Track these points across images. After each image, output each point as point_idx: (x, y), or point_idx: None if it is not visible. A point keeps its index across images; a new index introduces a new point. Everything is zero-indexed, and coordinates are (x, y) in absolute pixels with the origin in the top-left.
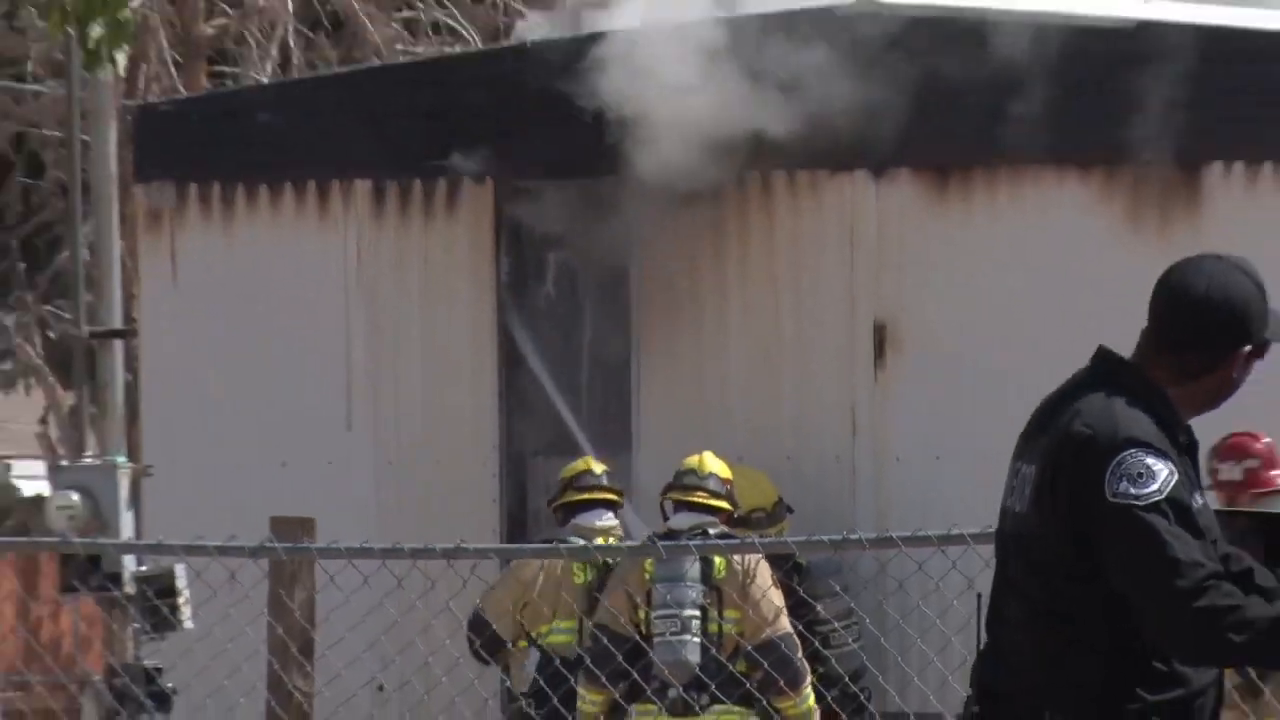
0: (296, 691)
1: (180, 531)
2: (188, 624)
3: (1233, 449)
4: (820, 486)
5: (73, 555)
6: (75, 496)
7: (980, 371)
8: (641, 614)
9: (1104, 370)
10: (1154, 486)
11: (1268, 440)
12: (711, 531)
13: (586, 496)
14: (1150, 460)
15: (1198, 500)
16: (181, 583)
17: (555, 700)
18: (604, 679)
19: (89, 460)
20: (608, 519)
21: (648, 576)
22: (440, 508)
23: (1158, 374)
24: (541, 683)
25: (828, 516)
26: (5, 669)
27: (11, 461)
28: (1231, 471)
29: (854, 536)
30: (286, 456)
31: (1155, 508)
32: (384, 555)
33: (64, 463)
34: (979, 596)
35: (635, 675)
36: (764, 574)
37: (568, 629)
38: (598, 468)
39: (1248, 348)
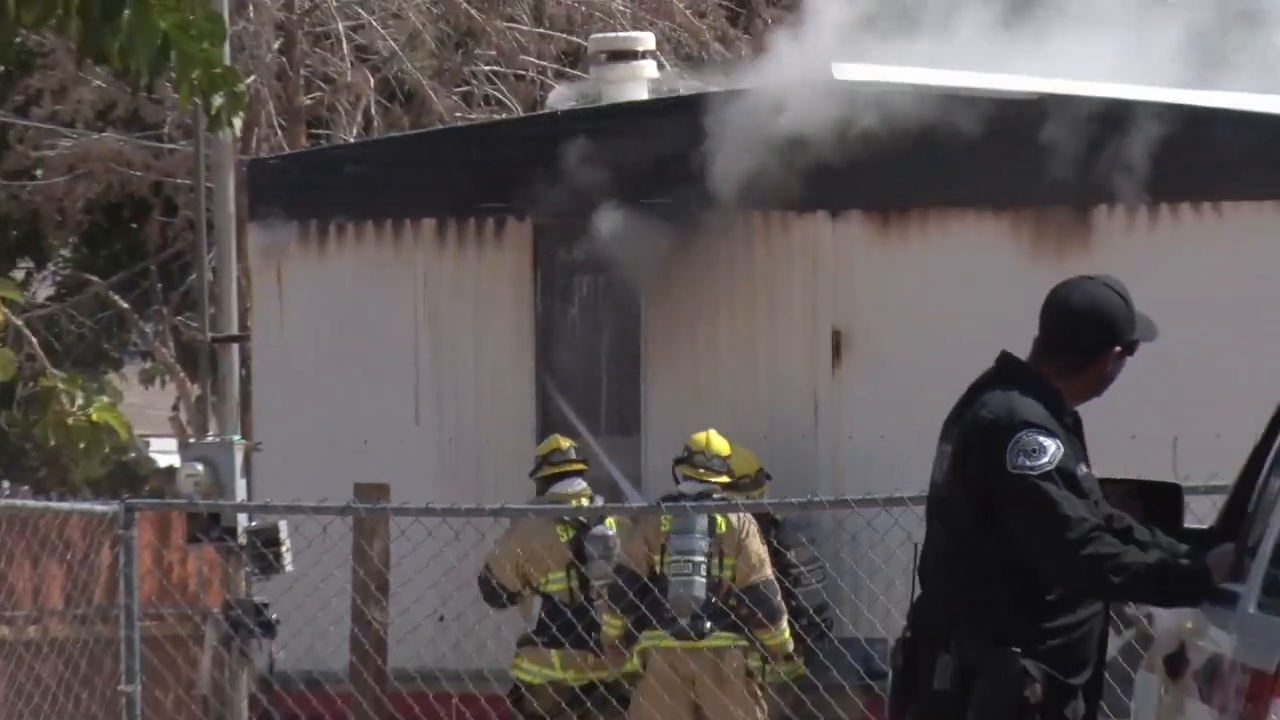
0: (374, 621)
1: (283, 494)
2: (288, 568)
3: None
4: (790, 459)
5: (197, 513)
6: (200, 467)
7: (916, 369)
8: (656, 558)
9: (1004, 370)
10: (1045, 459)
11: None
12: (715, 496)
13: (561, 469)
14: (1041, 438)
15: (1082, 469)
16: (283, 535)
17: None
18: (619, 610)
19: (211, 438)
20: (579, 485)
21: (664, 530)
22: (488, 477)
23: (1046, 371)
24: (583, 611)
25: (796, 483)
26: (143, 603)
27: (151, 439)
28: None
29: (817, 499)
30: (367, 436)
31: (1048, 476)
32: (444, 514)
33: (191, 440)
34: (915, 546)
35: (643, 608)
36: (754, 531)
37: (559, 577)
38: (565, 444)
39: (1117, 348)
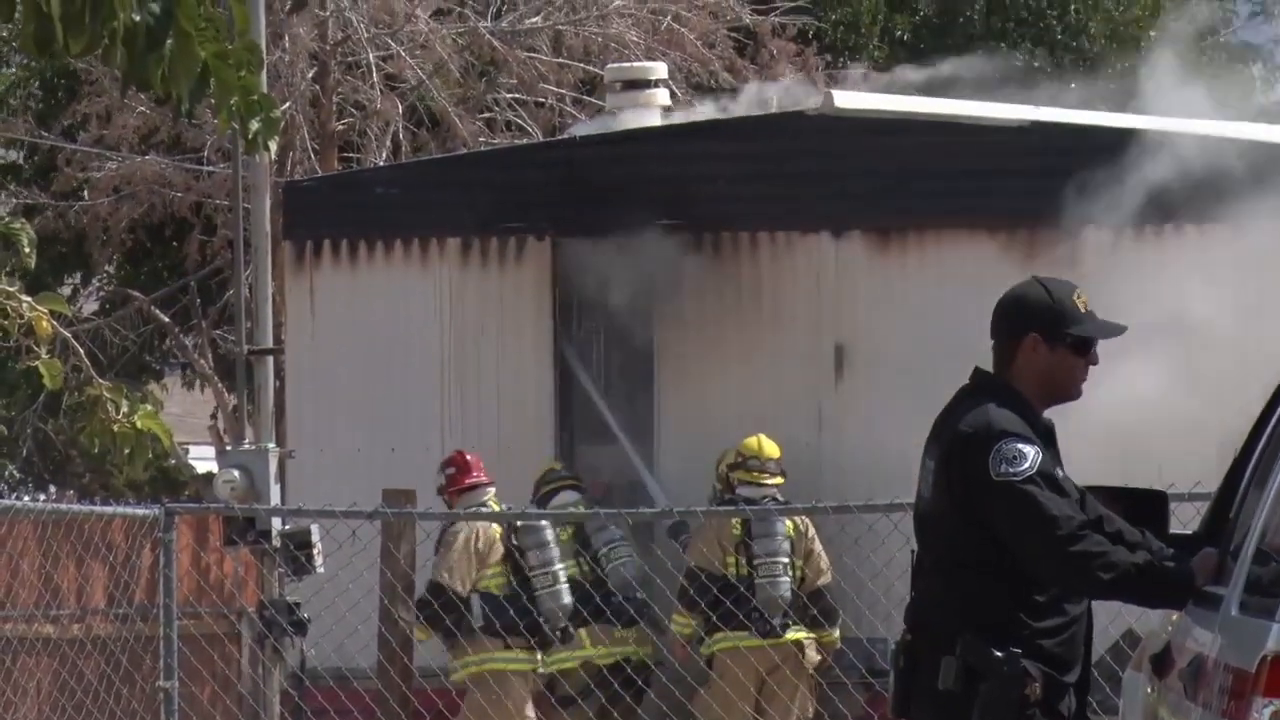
0: (401, 620)
1: (315, 500)
2: (319, 569)
3: (445, 461)
4: (795, 466)
5: (234, 517)
6: (236, 473)
7: (914, 380)
8: (731, 560)
9: (978, 384)
10: (1026, 465)
11: (472, 455)
12: (780, 498)
13: (556, 485)
14: (1020, 446)
15: (1060, 471)
16: (315, 538)
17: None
18: (697, 607)
19: (247, 446)
20: (572, 496)
21: (736, 533)
22: (509, 482)
23: (1008, 377)
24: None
25: (800, 489)
26: (181, 602)
27: (190, 447)
28: (439, 478)
29: (821, 505)
30: (395, 444)
31: (1031, 480)
32: (467, 518)
33: (228, 448)
34: (912, 551)
35: (728, 605)
36: (816, 536)
37: (570, 564)
38: (557, 465)
39: (1034, 334)
